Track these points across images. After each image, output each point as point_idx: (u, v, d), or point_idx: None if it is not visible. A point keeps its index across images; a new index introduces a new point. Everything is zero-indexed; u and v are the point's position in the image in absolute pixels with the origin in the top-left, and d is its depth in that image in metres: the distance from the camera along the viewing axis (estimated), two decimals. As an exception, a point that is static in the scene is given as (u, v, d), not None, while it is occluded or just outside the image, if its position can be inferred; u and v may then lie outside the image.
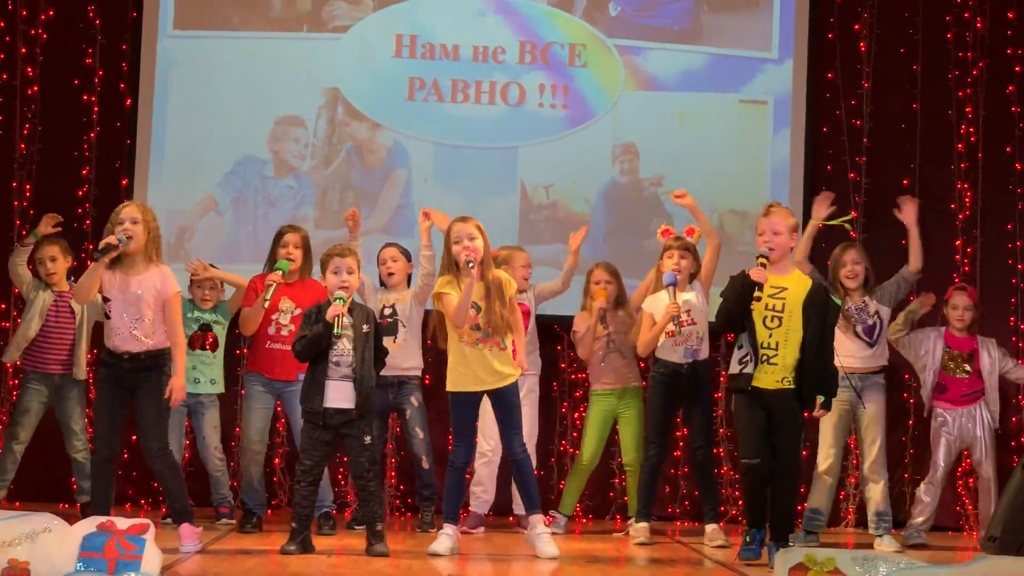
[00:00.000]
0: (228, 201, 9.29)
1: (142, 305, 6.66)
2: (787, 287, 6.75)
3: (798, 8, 9.46)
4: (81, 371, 8.13)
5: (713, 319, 7.41)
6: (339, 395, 6.78)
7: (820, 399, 6.78)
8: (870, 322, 7.98)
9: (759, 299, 6.65)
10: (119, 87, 9.31)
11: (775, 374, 6.71)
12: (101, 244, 6.61)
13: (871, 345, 7.98)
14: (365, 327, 6.86)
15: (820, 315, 6.70)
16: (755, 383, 6.70)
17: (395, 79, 9.40)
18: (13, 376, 8.97)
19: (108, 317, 6.71)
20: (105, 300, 6.71)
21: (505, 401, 6.98)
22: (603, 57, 9.46)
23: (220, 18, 9.40)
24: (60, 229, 8.20)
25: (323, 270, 7.03)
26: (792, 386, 6.70)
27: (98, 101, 9.29)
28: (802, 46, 9.45)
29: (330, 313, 6.71)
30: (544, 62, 9.43)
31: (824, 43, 9.49)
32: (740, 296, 6.67)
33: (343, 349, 6.78)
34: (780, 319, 6.70)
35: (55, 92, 9.29)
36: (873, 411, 7.97)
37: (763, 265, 6.66)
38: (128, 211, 6.71)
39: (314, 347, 6.76)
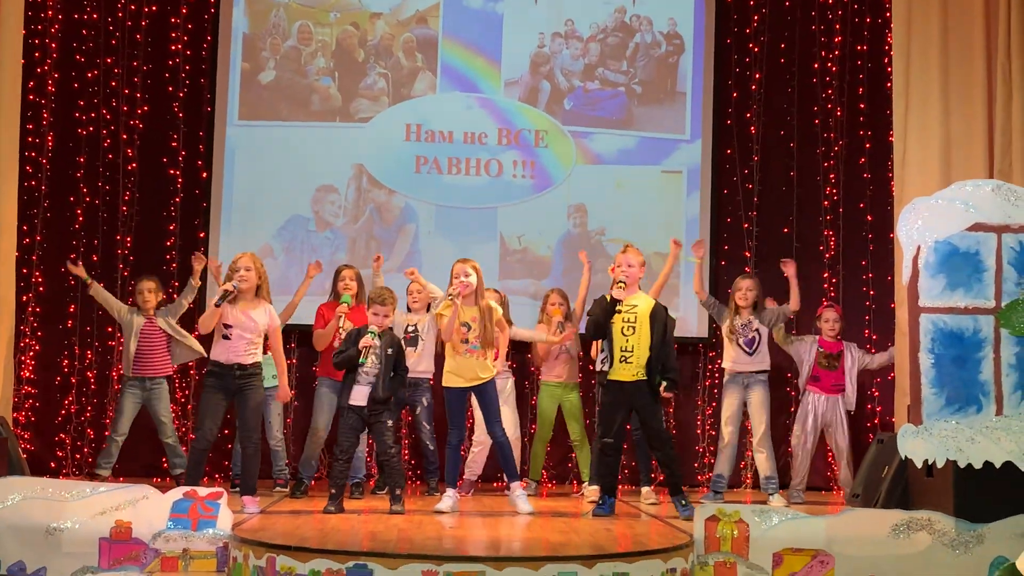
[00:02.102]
0: (281, 248, 9.20)
1: (256, 330, 6.76)
2: (638, 304, 6.97)
3: (704, 102, 9.45)
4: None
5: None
6: (358, 396, 6.84)
7: (664, 384, 6.91)
8: (750, 336, 7.97)
9: (619, 312, 6.87)
10: (197, 164, 9.23)
11: (631, 369, 6.88)
12: (220, 291, 6.68)
13: (750, 354, 7.96)
14: (389, 351, 6.88)
15: (661, 324, 6.92)
16: (614, 377, 6.90)
17: (405, 157, 9.32)
18: (117, 382, 8.88)
19: (227, 338, 6.71)
20: (226, 326, 6.69)
21: (485, 396, 7.00)
22: (560, 140, 9.41)
23: (273, 112, 9.32)
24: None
25: (368, 307, 7.05)
26: (644, 377, 6.86)
27: (181, 174, 9.21)
28: (708, 130, 9.43)
29: (362, 343, 6.77)
30: (516, 144, 9.37)
31: (724, 127, 9.47)
32: (604, 311, 6.91)
33: (371, 364, 6.82)
34: (634, 328, 6.90)
35: (149, 168, 9.20)
36: (757, 400, 7.96)
37: (621, 287, 6.86)
38: (243, 261, 6.81)
39: (348, 364, 6.84)
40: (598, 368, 7.06)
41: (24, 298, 8.73)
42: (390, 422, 6.87)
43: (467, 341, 6.89)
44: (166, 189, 9.18)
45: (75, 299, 8.94)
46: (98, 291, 8.14)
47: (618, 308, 6.88)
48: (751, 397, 7.96)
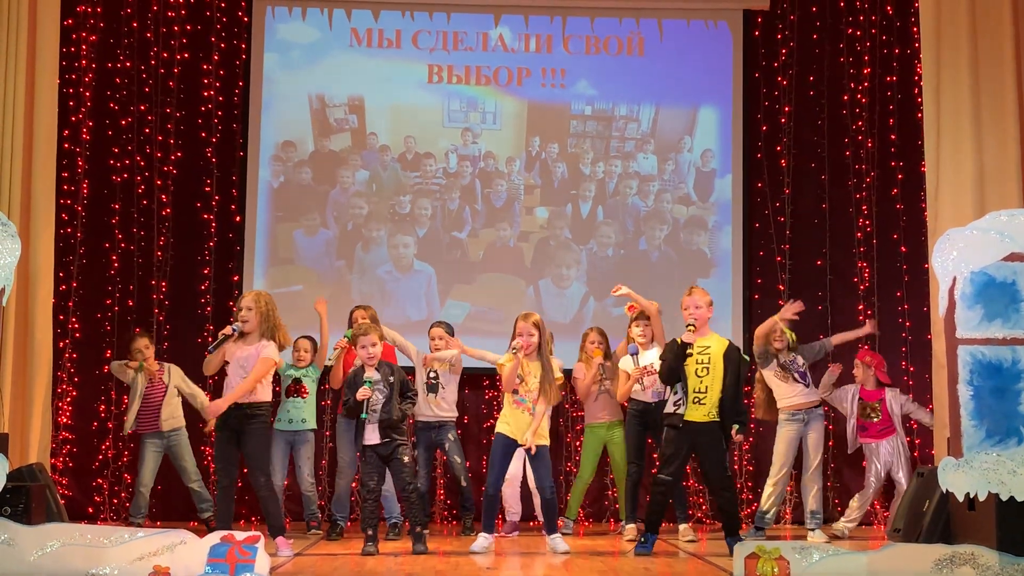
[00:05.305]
0: (314, 291, 9.21)
1: (248, 368, 6.66)
2: (710, 345, 6.94)
3: (734, 136, 9.47)
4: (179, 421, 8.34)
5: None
6: (372, 436, 6.87)
7: (735, 427, 6.88)
8: (801, 369, 7.94)
9: (690, 355, 6.85)
10: (230, 208, 9.32)
11: (703, 410, 6.84)
12: (220, 335, 6.66)
13: (807, 385, 7.93)
14: (391, 378, 6.91)
15: (735, 366, 6.90)
16: (688, 418, 6.84)
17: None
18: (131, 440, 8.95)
19: (226, 375, 6.71)
20: (225, 363, 6.71)
21: (536, 456, 6.97)
22: (590, 176, 9.49)
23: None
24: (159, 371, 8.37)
25: (353, 345, 7.12)
26: (717, 419, 6.83)
27: (215, 218, 9.30)
28: (738, 164, 9.44)
29: (360, 396, 6.80)
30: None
31: (755, 161, 9.48)
32: (676, 356, 6.89)
33: (375, 400, 6.86)
34: (708, 368, 6.87)
35: (183, 213, 9.30)
36: (816, 436, 7.92)
37: (691, 330, 6.87)
38: (245, 301, 6.77)
39: (353, 415, 6.93)
40: (669, 410, 7.00)
41: (61, 344, 8.83)
42: (406, 458, 6.89)
43: (516, 392, 6.92)
44: (200, 233, 9.27)
45: (111, 345, 9.03)
46: (121, 368, 8.39)
47: (689, 352, 6.86)
48: (811, 433, 7.90)
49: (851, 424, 8.21)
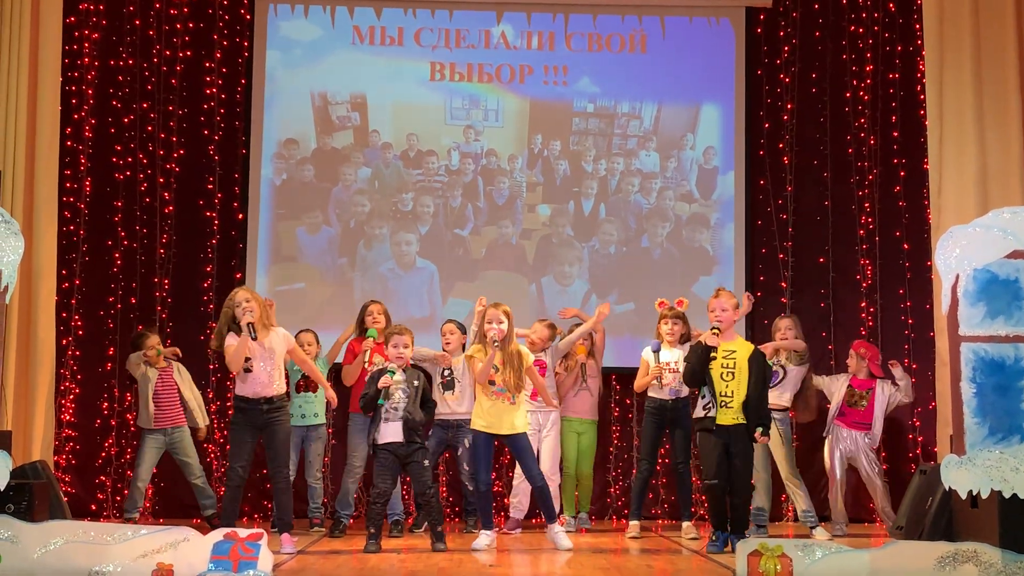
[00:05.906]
0: (316, 289, 9.26)
1: (276, 357, 6.71)
2: (736, 350, 6.95)
3: (736, 133, 9.46)
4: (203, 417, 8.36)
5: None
6: (391, 433, 6.82)
7: (759, 430, 6.86)
8: (773, 369, 7.92)
9: (714, 358, 6.86)
10: (233, 205, 9.32)
11: (731, 414, 6.85)
12: (244, 325, 6.55)
13: (771, 387, 7.90)
14: (416, 382, 6.90)
15: (760, 370, 6.92)
16: (718, 421, 6.85)
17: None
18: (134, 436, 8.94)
19: (249, 371, 6.63)
20: (246, 360, 6.64)
21: (517, 446, 7.04)
22: (592, 173, 9.48)
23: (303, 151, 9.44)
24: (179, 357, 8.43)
25: (385, 344, 7.07)
26: (743, 421, 6.84)
27: (217, 216, 9.30)
28: (741, 161, 9.43)
29: (381, 383, 6.80)
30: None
31: (757, 158, 9.47)
32: (699, 360, 6.91)
33: (398, 399, 6.83)
34: (733, 373, 6.88)
35: (185, 210, 9.30)
36: (774, 438, 7.85)
37: (716, 333, 6.86)
38: (242, 294, 6.72)
39: (371, 405, 6.86)
40: (699, 414, 7.00)
41: (64, 342, 8.83)
42: (426, 462, 6.88)
43: (493, 383, 6.93)
44: (203, 231, 9.27)
45: (113, 342, 9.03)
46: (138, 360, 8.30)
47: (713, 355, 6.87)
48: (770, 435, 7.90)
49: (833, 406, 8.20)
